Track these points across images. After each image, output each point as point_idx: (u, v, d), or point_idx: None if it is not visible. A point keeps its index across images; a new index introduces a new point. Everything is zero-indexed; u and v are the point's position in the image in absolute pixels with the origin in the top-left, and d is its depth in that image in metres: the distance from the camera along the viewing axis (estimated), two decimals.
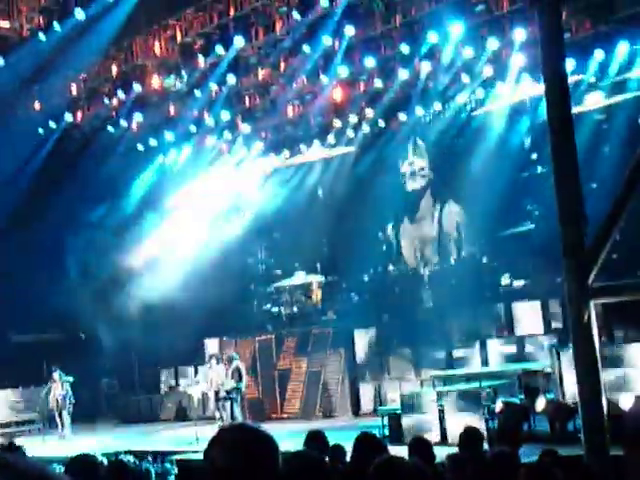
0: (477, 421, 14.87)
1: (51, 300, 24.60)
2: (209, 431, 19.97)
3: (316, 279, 25.46)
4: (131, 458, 13.81)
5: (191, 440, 18.62)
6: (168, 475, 11.75)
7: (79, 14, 19.10)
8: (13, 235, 25.32)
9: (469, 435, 6.70)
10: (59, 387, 24.07)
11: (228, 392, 20.96)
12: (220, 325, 25.81)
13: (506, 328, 21.30)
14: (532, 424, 15.06)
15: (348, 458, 6.85)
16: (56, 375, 24.13)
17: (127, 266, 27.47)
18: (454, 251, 25.57)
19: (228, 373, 21.15)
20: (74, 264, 26.22)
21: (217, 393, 21.29)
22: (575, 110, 13.42)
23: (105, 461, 13.50)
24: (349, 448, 6.62)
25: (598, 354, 9.83)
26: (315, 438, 7.51)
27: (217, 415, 21.28)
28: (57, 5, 19.97)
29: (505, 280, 22.76)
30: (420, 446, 6.23)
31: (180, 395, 26.26)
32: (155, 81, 22.42)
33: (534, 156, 23.38)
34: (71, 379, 24.25)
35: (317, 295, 25.33)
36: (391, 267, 26.32)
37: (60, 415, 24.07)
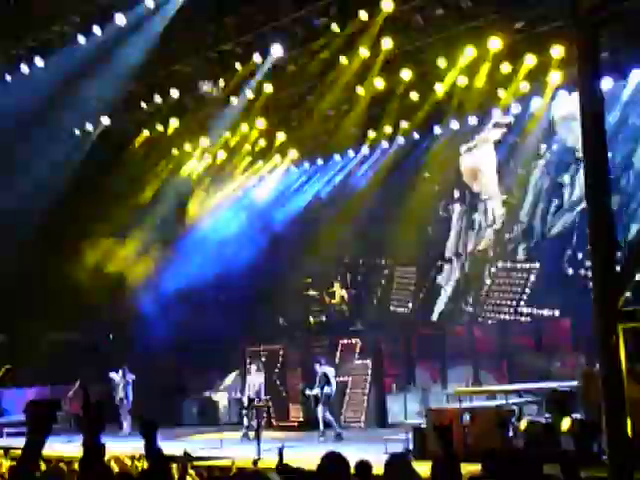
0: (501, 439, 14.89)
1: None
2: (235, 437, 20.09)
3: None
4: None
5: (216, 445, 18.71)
6: None
7: (120, 19, 19.30)
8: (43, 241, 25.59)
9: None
10: (121, 386, 24.45)
11: (316, 397, 20.31)
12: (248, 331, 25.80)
13: (535, 345, 21.17)
14: (557, 443, 14.98)
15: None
16: (117, 375, 24.53)
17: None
18: None
19: (317, 379, 20.52)
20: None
21: (251, 401, 21.04)
22: None
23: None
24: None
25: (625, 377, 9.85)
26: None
27: (245, 422, 21.16)
28: (98, 10, 20.12)
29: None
30: (445, 465, 6.26)
31: (205, 400, 26.14)
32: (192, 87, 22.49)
33: None
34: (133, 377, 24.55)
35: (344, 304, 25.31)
36: None
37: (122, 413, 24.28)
